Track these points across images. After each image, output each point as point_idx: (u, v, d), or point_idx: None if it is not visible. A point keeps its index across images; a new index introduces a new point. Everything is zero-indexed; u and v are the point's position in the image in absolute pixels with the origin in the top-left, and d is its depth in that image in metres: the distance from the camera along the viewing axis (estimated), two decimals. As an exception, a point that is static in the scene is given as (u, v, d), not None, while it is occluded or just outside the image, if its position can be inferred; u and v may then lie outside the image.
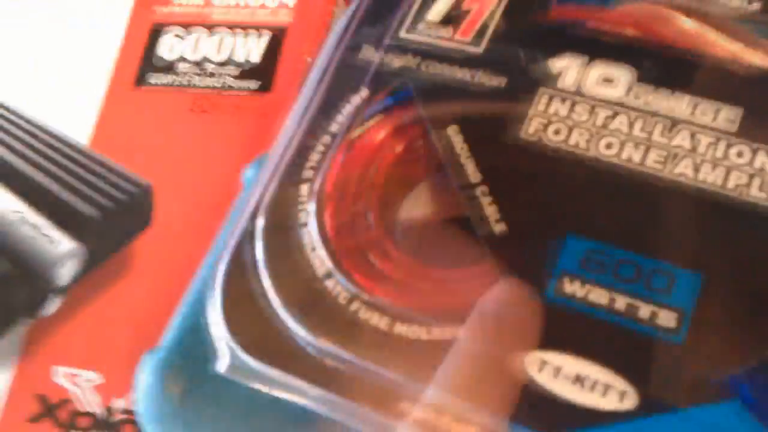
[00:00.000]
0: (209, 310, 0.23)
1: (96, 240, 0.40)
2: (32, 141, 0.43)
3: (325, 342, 0.20)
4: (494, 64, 0.21)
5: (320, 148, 0.22)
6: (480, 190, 0.20)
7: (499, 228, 0.19)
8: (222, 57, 0.42)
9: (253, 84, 0.42)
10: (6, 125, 0.43)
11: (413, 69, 0.22)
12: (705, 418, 0.17)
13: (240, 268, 0.22)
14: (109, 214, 0.40)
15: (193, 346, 0.25)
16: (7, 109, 0.44)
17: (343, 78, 0.23)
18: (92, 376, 0.38)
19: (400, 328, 0.20)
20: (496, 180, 0.20)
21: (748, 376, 0.17)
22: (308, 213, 0.21)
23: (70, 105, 0.43)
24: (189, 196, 0.41)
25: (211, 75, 0.42)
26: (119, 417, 0.37)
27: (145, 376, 0.25)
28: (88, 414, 0.37)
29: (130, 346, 0.39)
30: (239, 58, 0.42)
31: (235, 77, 0.42)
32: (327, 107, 0.23)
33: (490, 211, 0.20)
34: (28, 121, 0.43)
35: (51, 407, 0.38)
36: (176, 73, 0.43)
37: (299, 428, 0.24)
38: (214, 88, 0.42)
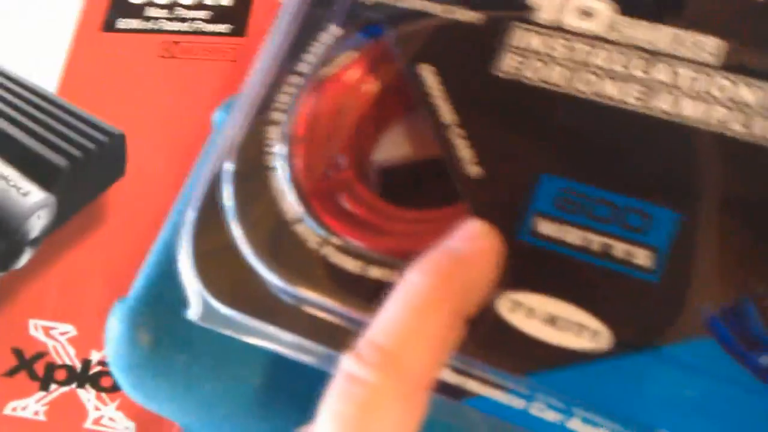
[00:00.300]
0: (179, 257, 0.22)
1: (67, 190, 0.39)
2: (2, 92, 0.41)
3: (296, 287, 0.20)
4: (470, -1, 0.20)
5: (290, 89, 0.22)
6: (454, 131, 0.19)
7: (473, 170, 0.19)
8: (193, 0, 0.41)
9: (225, 28, 0.40)
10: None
11: (385, 3, 0.21)
12: (679, 356, 0.17)
13: (209, 214, 0.21)
14: (79, 163, 0.39)
15: (164, 294, 0.24)
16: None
17: (314, 15, 0.22)
18: (68, 329, 0.38)
19: (372, 272, 0.19)
20: (471, 120, 0.19)
21: (722, 314, 0.17)
22: (277, 156, 0.21)
23: (37, 52, 0.41)
24: (162, 143, 0.40)
25: (182, 19, 0.41)
26: (96, 369, 0.37)
27: (115, 324, 0.24)
28: (64, 366, 0.37)
29: (105, 297, 0.39)
30: (210, 0, 0.41)
31: (207, 21, 0.41)
32: (297, 46, 0.22)
33: (465, 152, 0.19)
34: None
35: (27, 360, 0.37)
36: (146, 18, 0.41)
37: (271, 375, 0.24)
38: (185, 33, 0.41)
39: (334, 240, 0.20)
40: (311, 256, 0.20)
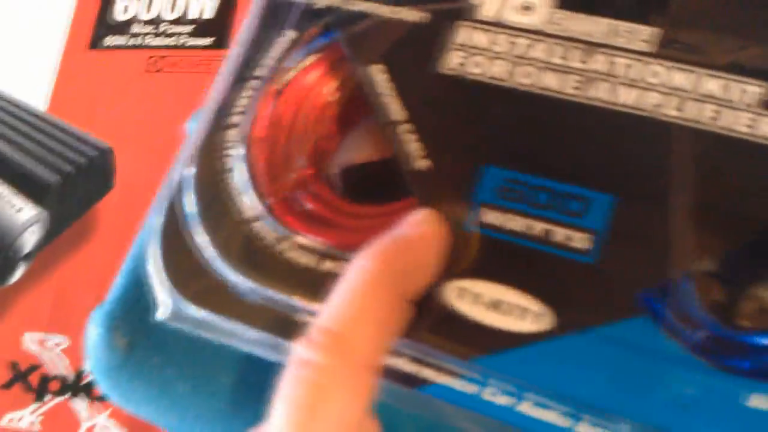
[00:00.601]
0: (148, 261, 0.23)
1: (58, 205, 0.40)
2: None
3: (256, 284, 0.20)
4: (416, -1, 0.20)
5: (248, 92, 0.22)
6: (403, 128, 0.20)
7: (421, 164, 0.19)
8: (176, 14, 0.42)
9: (207, 41, 0.41)
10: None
11: (339, 7, 0.22)
12: (617, 334, 0.17)
13: (174, 218, 0.22)
14: (70, 178, 0.40)
15: (137, 298, 0.25)
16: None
17: (270, 20, 0.23)
18: (61, 340, 0.38)
19: (327, 265, 0.20)
20: (419, 116, 0.20)
21: (659, 293, 0.17)
22: (235, 157, 0.21)
23: (26, 70, 0.42)
24: (149, 156, 0.40)
25: (166, 34, 0.42)
26: (89, 379, 0.37)
27: (93, 329, 0.25)
28: (58, 377, 0.37)
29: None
30: (193, 14, 0.42)
31: (190, 34, 0.42)
32: (255, 51, 0.23)
33: (414, 147, 0.20)
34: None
35: (22, 373, 0.38)
36: (131, 34, 0.42)
37: (241, 373, 0.24)
38: (168, 47, 0.42)
39: (292, 237, 0.20)
40: (269, 254, 0.20)
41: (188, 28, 0.42)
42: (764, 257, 0.19)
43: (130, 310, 0.25)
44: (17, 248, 0.40)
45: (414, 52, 0.21)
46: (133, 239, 0.41)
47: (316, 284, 0.20)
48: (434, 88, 0.20)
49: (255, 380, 0.24)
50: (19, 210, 0.40)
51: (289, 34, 0.23)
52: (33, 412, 0.37)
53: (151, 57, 0.41)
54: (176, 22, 0.42)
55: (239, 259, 0.21)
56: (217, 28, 0.41)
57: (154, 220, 0.24)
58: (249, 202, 0.21)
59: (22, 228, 0.39)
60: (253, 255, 0.21)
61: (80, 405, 0.37)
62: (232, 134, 0.22)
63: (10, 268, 0.40)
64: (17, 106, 0.42)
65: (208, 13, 0.42)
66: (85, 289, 0.39)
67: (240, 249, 0.21)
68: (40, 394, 0.37)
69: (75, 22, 0.43)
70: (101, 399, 0.37)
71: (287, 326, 0.20)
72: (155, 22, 0.42)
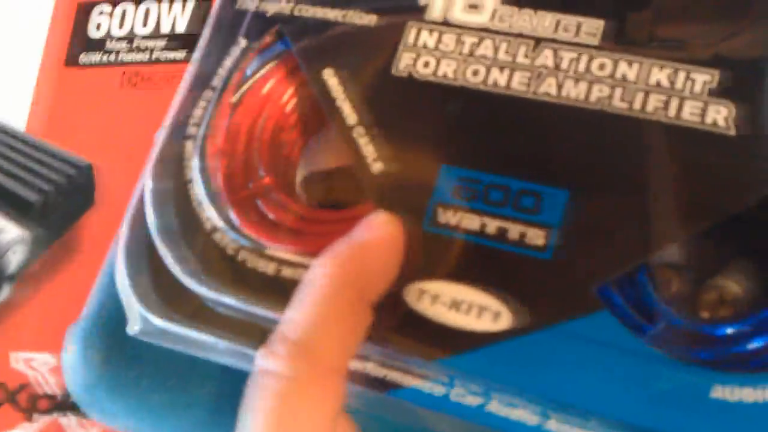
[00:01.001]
0: (117, 276, 0.23)
1: (41, 224, 0.40)
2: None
3: (219, 294, 0.20)
4: (363, 2, 0.20)
5: (204, 103, 0.22)
6: (357, 131, 0.20)
7: (377, 167, 0.19)
8: (148, 30, 0.42)
9: (181, 54, 0.41)
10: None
11: (287, 14, 0.22)
12: (577, 330, 0.17)
13: (138, 232, 0.22)
14: (51, 197, 0.40)
15: (110, 313, 0.25)
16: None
17: (223, 30, 0.23)
18: (48, 359, 0.39)
19: (287, 272, 0.20)
20: (372, 119, 0.20)
21: (616, 286, 0.17)
22: (194, 169, 0.21)
23: (3, 90, 0.43)
24: (129, 171, 0.41)
25: (140, 49, 0.42)
26: (77, 395, 0.38)
27: (69, 346, 0.25)
28: (47, 396, 0.37)
29: (81, 325, 0.40)
30: (166, 29, 0.42)
31: (163, 49, 0.42)
32: (208, 61, 0.23)
33: (368, 150, 0.20)
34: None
35: (11, 393, 0.38)
36: (105, 50, 0.42)
37: (215, 384, 0.24)
38: (143, 62, 0.42)
39: (252, 246, 0.20)
40: (230, 263, 0.20)
41: (162, 43, 0.42)
42: (722, 247, 0.19)
43: (104, 326, 0.25)
44: (1, 269, 0.40)
45: (364, 55, 0.21)
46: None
47: (280, 292, 0.20)
48: (386, 90, 0.20)
49: (230, 391, 0.24)
50: (1, 231, 0.40)
51: (243, 43, 0.23)
52: (27, 429, 0.37)
53: (125, 73, 0.42)
54: (150, 37, 0.42)
55: (203, 270, 0.21)
56: (190, 41, 0.41)
57: (123, 234, 0.24)
58: (209, 214, 0.21)
59: (5, 248, 0.40)
60: (217, 266, 0.21)
61: (70, 422, 0.37)
62: (189, 146, 0.22)
63: (-4, 289, 0.40)
64: (-4, 127, 0.42)
65: (181, 27, 0.42)
66: (71, 307, 0.39)
67: (203, 260, 0.21)
68: (29, 413, 0.38)
69: (50, 40, 0.43)
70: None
71: (255, 335, 0.20)
72: (128, 37, 0.42)
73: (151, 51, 0.42)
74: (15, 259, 0.40)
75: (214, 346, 0.22)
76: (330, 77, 0.21)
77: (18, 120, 0.42)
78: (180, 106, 0.23)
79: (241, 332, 0.21)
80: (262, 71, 0.23)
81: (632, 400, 0.17)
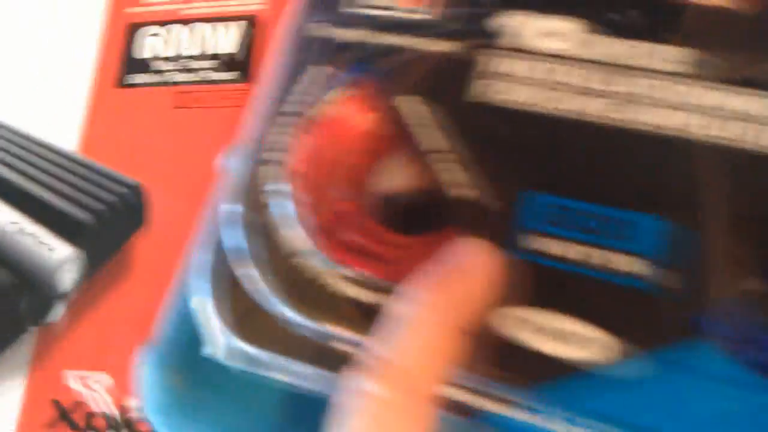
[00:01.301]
0: (199, 299, 0.23)
1: (92, 243, 0.41)
2: (22, 152, 0.43)
3: (305, 318, 0.20)
4: (444, 29, 0.21)
5: (282, 128, 0.23)
6: (444, 156, 0.20)
7: (464, 192, 0.20)
8: (199, 51, 0.42)
9: (232, 75, 0.42)
10: (-5, 140, 0.43)
11: (366, 42, 0.22)
12: (679, 360, 0.17)
13: (221, 255, 0.22)
14: (102, 217, 0.41)
15: (188, 336, 0.25)
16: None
17: (299, 55, 0.24)
18: (103, 378, 0.39)
19: (376, 298, 0.20)
20: (459, 145, 0.20)
21: (716, 315, 0.17)
22: (276, 193, 0.22)
23: (55, 112, 0.43)
24: (181, 192, 0.41)
25: (190, 70, 0.42)
26: (133, 415, 0.38)
27: (145, 368, 0.25)
28: (102, 415, 0.38)
29: (136, 345, 0.40)
30: (216, 50, 0.42)
31: (214, 69, 0.42)
32: (285, 86, 0.23)
33: (455, 176, 0.20)
34: (16, 133, 0.43)
35: (65, 411, 0.38)
36: (156, 72, 0.43)
37: (295, 408, 0.24)
38: (194, 83, 0.42)
39: (339, 271, 0.21)
40: (316, 287, 0.21)
41: (212, 63, 0.42)
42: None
43: (182, 348, 0.25)
44: (53, 287, 0.40)
45: (445, 81, 0.21)
46: (171, 275, 0.41)
47: (364, 316, 0.20)
48: (460, 116, 0.20)
49: (311, 416, 0.24)
50: (54, 250, 0.40)
51: (320, 68, 0.23)
52: (79, 449, 0.38)
53: (173, 93, 0.42)
54: (197, 58, 0.42)
55: (287, 293, 0.21)
56: (240, 63, 0.42)
57: (199, 257, 0.24)
58: (293, 237, 0.21)
59: (58, 267, 0.40)
60: (301, 289, 0.21)
61: (125, 441, 0.37)
62: (270, 170, 0.22)
63: (48, 308, 0.40)
64: (48, 147, 0.43)
65: (232, 48, 0.42)
66: (125, 327, 0.40)
67: (287, 283, 0.21)
68: (85, 431, 0.38)
69: (101, 61, 0.44)
70: (148, 434, 0.37)
71: (338, 360, 0.21)
72: (176, 59, 0.43)
73: (200, 72, 0.42)
74: (67, 278, 0.40)
75: (297, 371, 0.22)
76: (403, 102, 0.21)
77: (69, 141, 0.43)
78: (255, 131, 0.23)
79: (325, 356, 0.21)
80: (337, 96, 0.23)
81: (732, 429, 0.17)
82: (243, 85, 0.42)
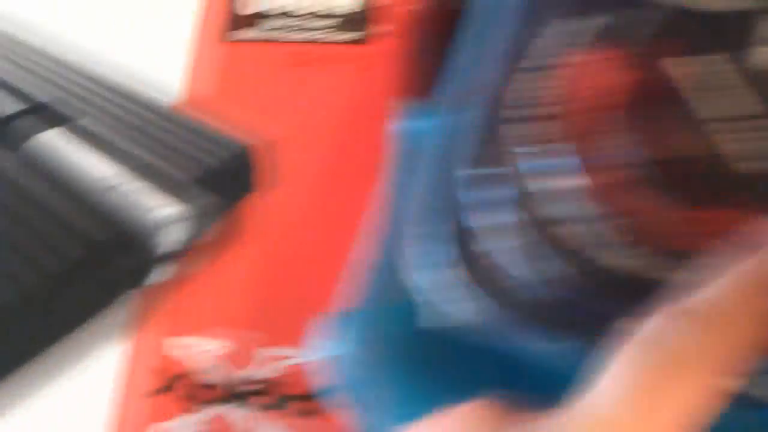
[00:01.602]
0: (408, 269, 0.22)
1: (196, 203, 0.38)
2: (124, 109, 0.41)
3: (566, 289, 0.19)
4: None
5: (527, 84, 0.21)
6: (712, 126, 0.19)
7: (742, 166, 0.18)
8: (314, 8, 0.40)
9: (349, 35, 0.40)
10: (97, 99, 0.41)
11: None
12: None
13: (446, 225, 0.21)
14: (205, 178, 0.39)
15: (395, 307, 0.24)
16: (97, 81, 0.42)
17: (538, 9, 0.22)
18: (212, 346, 0.37)
19: (651, 272, 0.19)
20: (727, 115, 0.19)
21: None
22: (522, 155, 0.20)
23: (157, 67, 0.41)
24: (294, 153, 0.39)
25: (303, 29, 0.40)
26: (244, 387, 0.36)
27: (342, 339, 0.24)
28: (209, 386, 0.36)
29: (249, 313, 0.38)
30: (332, 9, 0.40)
31: (330, 28, 0.40)
32: (520, 43, 0.22)
33: (728, 148, 0.19)
34: (116, 90, 0.41)
35: (171, 380, 0.36)
36: (262, 28, 0.41)
37: (508, 382, 0.23)
38: (307, 41, 0.40)
39: (599, 241, 0.19)
40: (573, 257, 0.19)
41: (328, 22, 0.40)
42: None
43: (391, 319, 0.23)
44: (154, 248, 0.38)
45: (715, 44, 0.20)
46: (281, 240, 0.39)
47: (638, 291, 0.19)
48: (738, 85, 0.19)
49: (521, 389, 0.23)
50: (155, 209, 0.38)
51: (566, 22, 0.22)
52: (186, 421, 0.36)
53: (288, 50, 0.40)
54: (314, 15, 0.41)
55: (532, 263, 0.20)
56: (357, 23, 0.40)
57: (412, 228, 0.22)
58: (544, 204, 0.20)
59: (158, 227, 0.38)
60: (564, 260, 0.20)
61: (236, 415, 0.36)
62: (517, 129, 0.21)
63: (148, 270, 0.38)
64: (149, 104, 0.41)
65: (348, 7, 0.40)
66: (236, 292, 0.38)
67: (534, 252, 0.20)
68: (190, 402, 0.36)
69: (202, 15, 0.42)
70: (261, 408, 0.35)
71: (584, 331, 0.19)
72: (286, 14, 0.41)
73: (317, 30, 0.40)
74: (169, 238, 0.38)
75: (531, 341, 0.20)
76: (672, 66, 0.20)
77: (172, 97, 0.41)
78: (490, 87, 0.22)
79: (572, 327, 0.20)
80: (589, 54, 0.22)
81: None
82: (360, 46, 0.40)
